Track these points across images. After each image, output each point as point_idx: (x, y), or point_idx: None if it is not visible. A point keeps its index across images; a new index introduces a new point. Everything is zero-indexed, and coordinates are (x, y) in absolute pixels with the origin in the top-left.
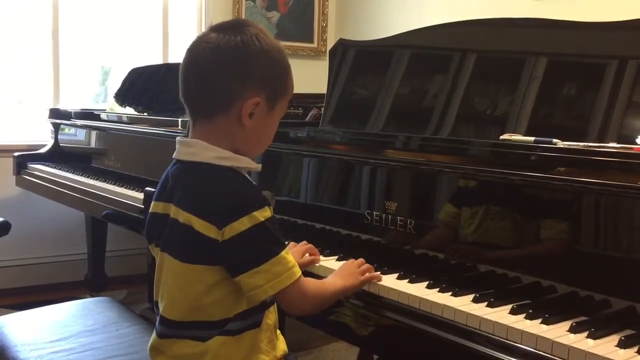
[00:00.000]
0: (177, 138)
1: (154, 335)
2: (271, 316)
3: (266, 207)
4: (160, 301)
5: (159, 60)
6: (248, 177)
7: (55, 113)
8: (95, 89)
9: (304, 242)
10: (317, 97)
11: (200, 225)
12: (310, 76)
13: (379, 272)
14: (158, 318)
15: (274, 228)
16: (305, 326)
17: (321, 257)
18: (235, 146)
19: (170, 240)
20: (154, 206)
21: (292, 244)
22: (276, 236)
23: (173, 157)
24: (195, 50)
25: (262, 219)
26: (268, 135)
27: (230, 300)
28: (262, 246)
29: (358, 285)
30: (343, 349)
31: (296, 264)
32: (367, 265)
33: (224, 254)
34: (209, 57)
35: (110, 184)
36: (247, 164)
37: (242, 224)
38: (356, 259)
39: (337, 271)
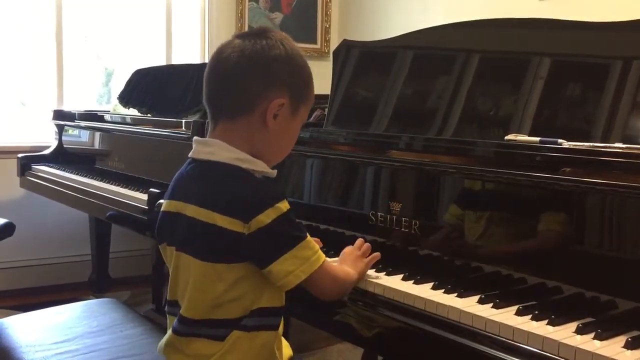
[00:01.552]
0: (195, 138)
1: (169, 332)
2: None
3: (285, 199)
4: (180, 301)
5: (162, 62)
6: None
7: (59, 114)
8: (98, 91)
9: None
10: (321, 98)
11: (225, 222)
12: (313, 77)
13: (377, 252)
14: (177, 317)
15: (294, 217)
16: (309, 327)
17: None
18: (255, 149)
19: (189, 240)
20: (166, 205)
21: None
22: (298, 223)
23: (189, 155)
24: (221, 56)
25: (285, 209)
26: (289, 141)
27: (250, 297)
28: (288, 234)
29: (365, 269)
30: (347, 350)
31: (319, 249)
32: (366, 246)
33: (252, 246)
34: (235, 60)
35: (114, 185)
36: (263, 168)
37: (267, 216)
38: None
39: (342, 261)
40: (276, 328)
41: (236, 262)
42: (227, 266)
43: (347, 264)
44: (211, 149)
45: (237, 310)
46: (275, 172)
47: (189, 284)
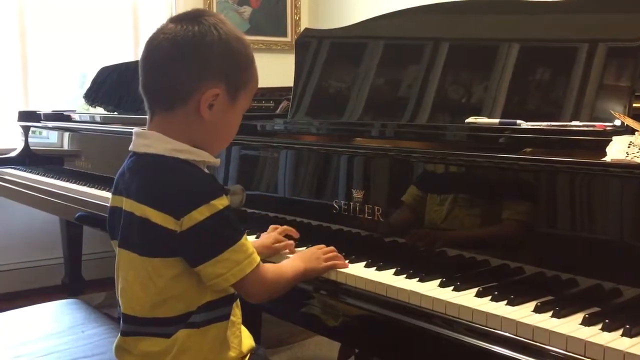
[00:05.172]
0: (134, 129)
1: (119, 334)
2: (236, 312)
3: (224, 196)
4: (120, 298)
5: (130, 60)
6: (207, 171)
7: (24, 115)
8: (73, 93)
9: (276, 226)
10: (290, 90)
11: (157, 217)
12: (284, 70)
13: (346, 261)
14: (121, 317)
15: (232, 216)
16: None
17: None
18: (195, 140)
19: (128, 235)
20: (111, 200)
21: (272, 227)
22: (235, 224)
23: (129, 149)
24: (154, 42)
25: (221, 207)
26: (230, 130)
27: (193, 293)
28: (221, 234)
29: (320, 270)
30: (325, 342)
31: (255, 250)
32: (333, 252)
33: (183, 244)
34: (166, 49)
35: (81, 185)
36: (205, 157)
37: (200, 214)
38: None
39: (301, 253)
40: (227, 318)
41: (174, 256)
42: (165, 261)
43: (300, 256)
44: (148, 141)
45: (181, 307)
46: (218, 160)
47: (128, 281)
